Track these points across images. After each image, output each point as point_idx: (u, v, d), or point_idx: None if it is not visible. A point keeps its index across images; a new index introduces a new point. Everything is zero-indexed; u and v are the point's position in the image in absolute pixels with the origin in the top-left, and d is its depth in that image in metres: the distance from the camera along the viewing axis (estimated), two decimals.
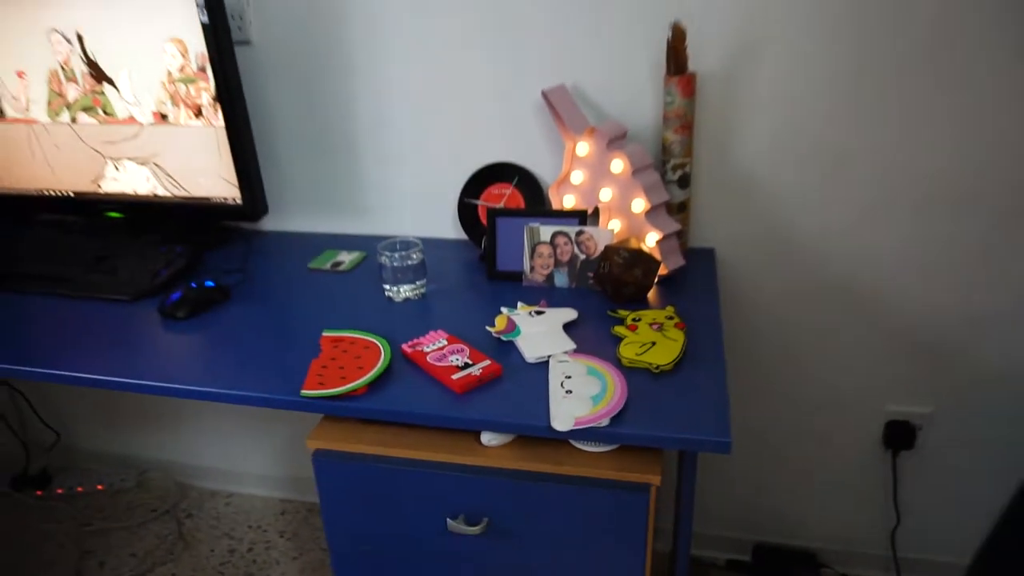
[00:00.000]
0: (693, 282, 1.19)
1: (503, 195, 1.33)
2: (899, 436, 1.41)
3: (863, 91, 1.17)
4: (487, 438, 0.94)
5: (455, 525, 0.94)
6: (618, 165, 1.17)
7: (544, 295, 1.17)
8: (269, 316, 1.14)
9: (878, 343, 1.35)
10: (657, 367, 0.93)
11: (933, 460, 1.43)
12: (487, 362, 0.95)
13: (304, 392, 0.91)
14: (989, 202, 1.21)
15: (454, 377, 0.91)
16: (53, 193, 1.45)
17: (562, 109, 1.21)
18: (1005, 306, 1.27)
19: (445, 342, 1.01)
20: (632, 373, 0.93)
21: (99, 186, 1.41)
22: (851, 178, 1.23)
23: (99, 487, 1.96)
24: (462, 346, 0.99)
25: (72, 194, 1.44)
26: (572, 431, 0.82)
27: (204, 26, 1.20)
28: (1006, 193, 1.19)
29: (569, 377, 0.91)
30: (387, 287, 1.18)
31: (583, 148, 1.21)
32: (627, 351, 0.96)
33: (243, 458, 1.89)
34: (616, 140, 1.19)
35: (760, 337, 1.40)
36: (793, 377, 1.42)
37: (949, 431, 1.40)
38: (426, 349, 0.99)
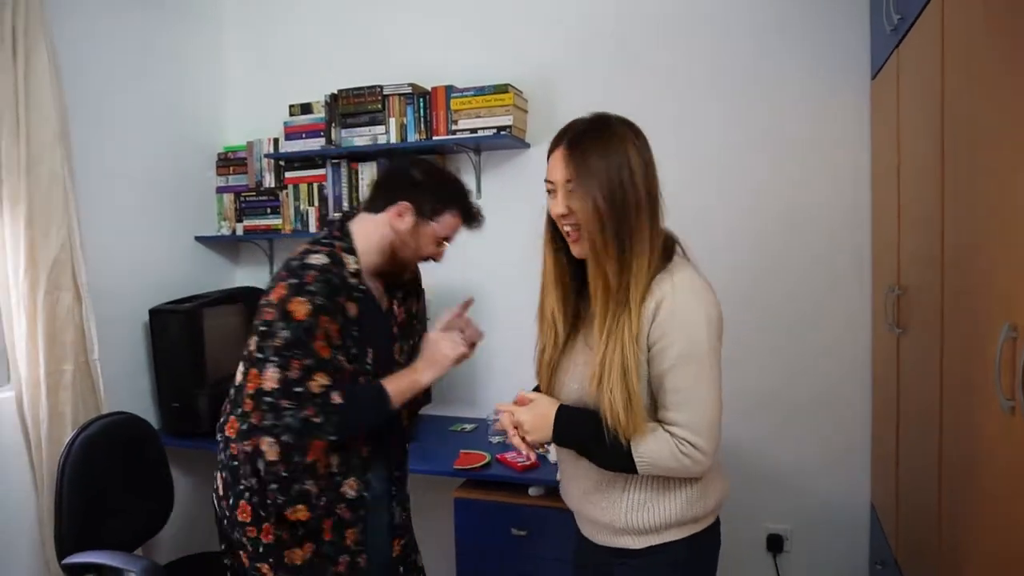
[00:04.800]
0: None
1: None
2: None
3: None
4: (532, 490, 2.13)
5: (516, 531, 2.10)
6: None
7: None
8: (434, 446, 2.41)
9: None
10: None
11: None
12: (534, 459, 2.16)
13: (455, 467, 2.15)
14: None
15: (519, 464, 2.14)
16: None
17: None
18: None
19: (515, 454, 2.24)
20: None
21: None
22: None
23: None
24: (524, 456, 2.22)
25: None
26: None
27: None
28: None
29: None
30: (490, 436, 2.44)
31: None
32: None
33: None
34: None
35: None
36: None
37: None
38: (508, 456, 2.22)
